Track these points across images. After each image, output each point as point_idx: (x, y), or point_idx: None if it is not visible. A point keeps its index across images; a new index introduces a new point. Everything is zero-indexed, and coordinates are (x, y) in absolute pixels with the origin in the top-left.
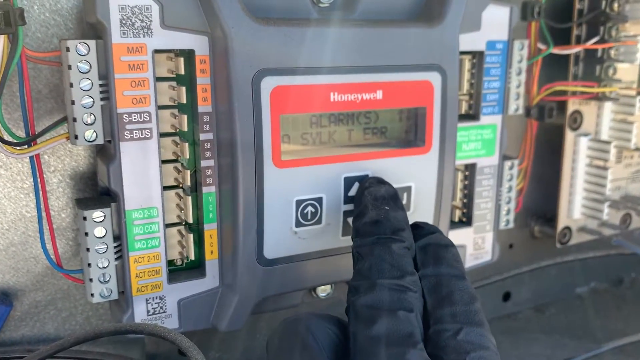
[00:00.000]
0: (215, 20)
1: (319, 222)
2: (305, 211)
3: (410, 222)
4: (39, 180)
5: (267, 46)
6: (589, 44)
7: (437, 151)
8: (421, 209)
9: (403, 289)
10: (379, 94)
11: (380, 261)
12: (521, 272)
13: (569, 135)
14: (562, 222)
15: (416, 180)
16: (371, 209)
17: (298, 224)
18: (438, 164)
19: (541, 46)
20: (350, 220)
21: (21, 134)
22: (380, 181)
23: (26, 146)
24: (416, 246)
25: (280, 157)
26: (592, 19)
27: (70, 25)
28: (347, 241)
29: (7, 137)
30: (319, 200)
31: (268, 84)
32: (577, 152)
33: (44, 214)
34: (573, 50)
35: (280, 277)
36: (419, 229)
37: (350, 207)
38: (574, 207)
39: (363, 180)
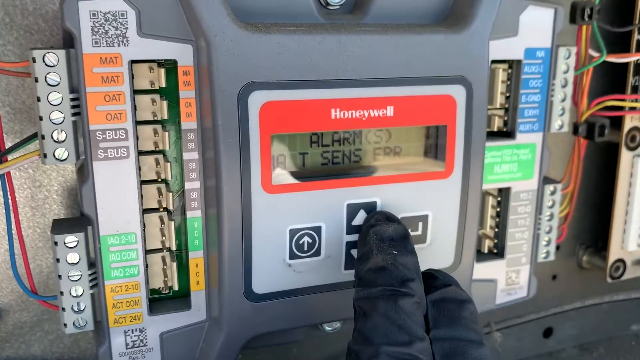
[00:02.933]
0: (198, 27)
1: (317, 254)
2: (300, 242)
3: (426, 261)
4: (9, 199)
5: (256, 56)
6: None
7: (460, 176)
8: (440, 242)
9: (411, 358)
10: (390, 111)
11: (385, 321)
12: (566, 308)
13: (626, 155)
14: (614, 254)
15: (434, 209)
16: (376, 252)
17: (292, 256)
18: (461, 190)
19: (593, 53)
20: (354, 252)
21: None
22: (388, 217)
23: None
24: (428, 300)
25: (271, 181)
26: None
27: (56, 31)
28: (351, 275)
29: None
30: (317, 229)
31: (257, 99)
32: (635, 174)
33: (15, 235)
34: (632, 58)
35: (273, 314)
36: (433, 279)
37: (354, 237)
38: (628, 238)
39: (370, 213)
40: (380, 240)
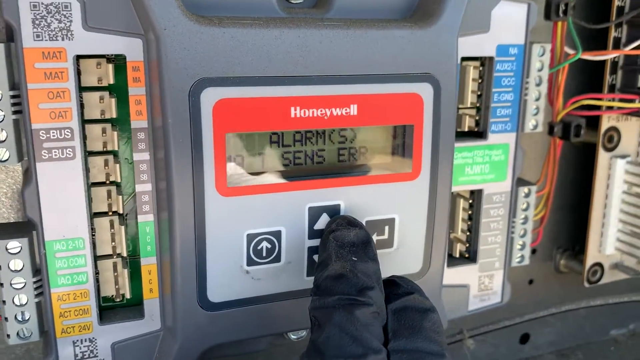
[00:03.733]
0: (147, 19)
1: (277, 260)
2: (259, 247)
3: (393, 266)
4: None
5: (209, 51)
6: (630, 49)
7: (428, 177)
8: (407, 246)
9: None
10: (353, 109)
11: (339, 332)
12: (542, 314)
13: (603, 156)
14: (591, 258)
15: (401, 212)
16: (335, 259)
17: (250, 262)
18: (429, 193)
19: (569, 51)
20: (316, 257)
21: None
22: (350, 222)
23: None
24: (389, 309)
25: (226, 183)
26: (635, 18)
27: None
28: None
29: None
30: (277, 234)
31: (210, 97)
32: (613, 176)
33: None
34: (609, 55)
35: (230, 323)
36: (395, 286)
37: (316, 242)
38: (606, 241)
39: (333, 216)
40: (340, 246)
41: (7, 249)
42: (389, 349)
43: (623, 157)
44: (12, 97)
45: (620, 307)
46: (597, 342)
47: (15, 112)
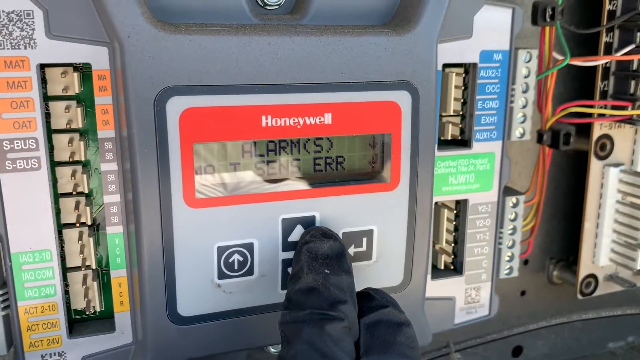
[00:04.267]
0: (111, 27)
1: (249, 273)
2: (230, 260)
3: (372, 279)
4: None
5: (174, 59)
6: (621, 54)
7: (407, 187)
8: (387, 258)
9: None
10: (328, 118)
11: (308, 349)
12: (536, 328)
13: (596, 164)
14: (584, 269)
15: (380, 223)
16: (307, 271)
17: (221, 276)
18: (408, 203)
19: (557, 56)
20: (291, 269)
21: None
22: (325, 234)
23: None
24: (362, 323)
25: (194, 194)
26: (627, 22)
27: None
28: None
29: None
30: (249, 246)
31: (176, 106)
32: (606, 185)
33: None
34: (600, 61)
35: (202, 338)
36: (369, 299)
37: (290, 254)
38: (600, 252)
39: (307, 228)
40: (313, 258)
41: None
42: None
43: (616, 165)
44: None
45: (618, 319)
46: (593, 355)
47: None
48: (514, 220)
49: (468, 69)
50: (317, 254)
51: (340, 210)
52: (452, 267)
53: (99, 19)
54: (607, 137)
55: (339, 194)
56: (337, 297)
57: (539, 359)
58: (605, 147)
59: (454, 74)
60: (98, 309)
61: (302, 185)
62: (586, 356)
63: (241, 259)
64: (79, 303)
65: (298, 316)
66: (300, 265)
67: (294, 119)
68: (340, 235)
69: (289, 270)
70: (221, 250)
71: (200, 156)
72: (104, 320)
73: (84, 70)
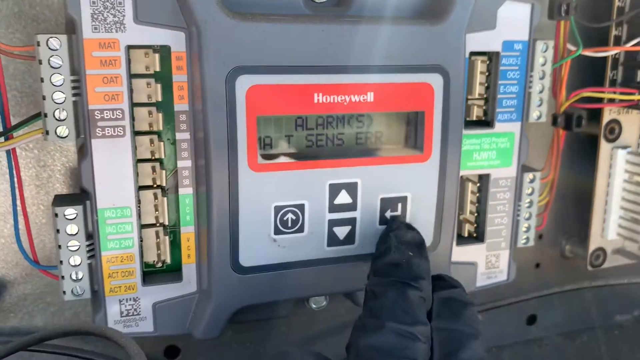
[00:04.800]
0: (190, 14)
1: (300, 230)
2: (285, 218)
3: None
4: (15, 174)
5: (243, 43)
6: (629, 46)
7: (438, 159)
8: (419, 222)
9: (412, 337)
10: (370, 97)
11: (393, 304)
12: (548, 294)
13: (605, 147)
14: (594, 243)
15: (413, 190)
16: (394, 251)
17: (277, 232)
18: (439, 174)
19: (571, 47)
20: (336, 229)
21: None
22: (408, 226)
23: (2, 139)
24: (435, 297)
25: (257, 160)
26: (634, 17)
27: (61, 21)
28: (333, 252)
29: None
30: (301, 207)
31: (243, 83)
32: (614, 166)
33: (19, 208)
34: (609, 52)
35: (258, 286)
36: (441, 280)
37: (335, 215)
38: (608, 227)
39: (351, 193)
40: (399, 242)
41: (64, 215)
42: (432, 325)
43: (624, 148)
44: (72, 81)
45: (625, 294)
46: (602, 326)
47: (74, 95)
48: (530, 194)
49: (492, 57)
50: (402, 240)
51: (379, 178)
52: (474, 235)
53: (178, 8)
54: (616, 121)
55: (378, 164)
56: (418, 273)
57: (552, 328)
58: (614, 130)
59: (479, 61)
60: (168, 262)
61: (347, 155)
62: (595, 327)
63: (294, 217)
64: (150, 257)
65: (384, 281)
66: (387, 245)
67: (341, 97)
68: (378, 201)
69: (334, 229)
70: (277, 209)
71: (261, 127)
72: (171, 272)
73: (161, 52)
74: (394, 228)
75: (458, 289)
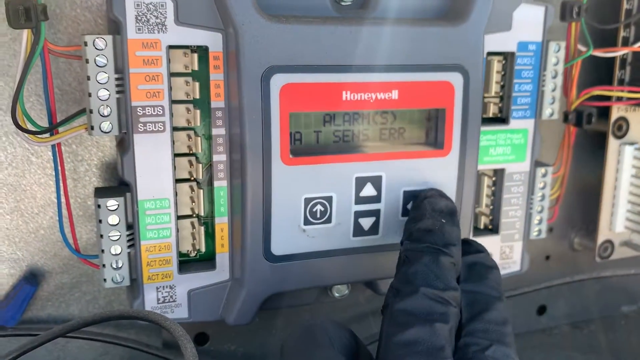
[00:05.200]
0: (228, 17)
1: (328, 221)
2: (314, 209)
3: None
4: (59, 168)
5: (277, 43)
6: (637, 46)
7: (457, 155)
8: None
9: (444, 301)
10: (395, 94)
11: (426, 269)
12: (558, 284)
13: (613, 143)
14: (602, 235)
15: (433, 183)
16: (428, 217)
17: (307, 222)
18: (458, 168)
19: (582, 48)
20: (362, 221)
21: (46, 124)
22: (441, 195)
23: (48, 135)
24: (462, 261)
25: (289, 154)
26: None
27: (100, 22)
28: (358, 242)
29: (29, 127)
30: (329, 199)
31: (278, 81)
32: (622, 161)
33: (63, 200)
34: (618, 52)
35: (288, 274)
36: (467, 245)
37: (361, 207)
38: (616, 220)
39: (376, 185)
40: (432, 209)
41: (107, 207)
42: (460, 288)
43: (631, 144)
44: (117, 79)
45: (631, 285)
46: (609, 316)
47: (118, 92)
48: (543, 188)
49: (507, 57)
50: (435, 207)
51: (401, 172)
52: (489, 227)
53: (216, 10)
54: (624, 119)
55: (401, 158)
56: (450, 240)
57: (561, 318)
58: (621, 127)
59: (496, 61)
60: (203, 251)
61: (372, 150)
62: (602, 317)
63: (322, 209)
64: (185, 246)
65: (418, 246)
66: (421, 211)
67: (368, 94)
68: (401, 193)
69: (360, 221)
70: (307, 201)
71: (293, 123)
72: (205, 261)
73: (198, 52)
74: (428, 195)
75: (484, 254)
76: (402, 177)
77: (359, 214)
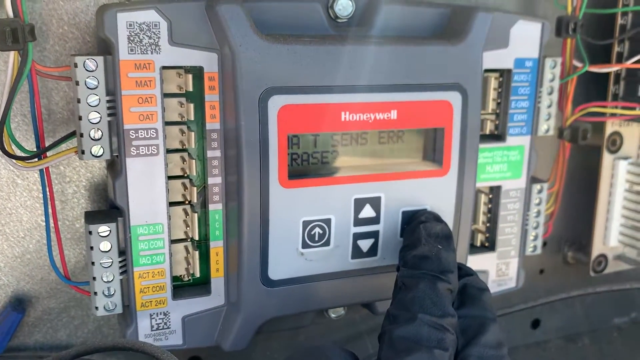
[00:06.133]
0: (224, 37)
1: (327, 244)
2: (312, 232)
3: None
4: (47, 192)
5: (275, 64)
6: (631, 62)
7: (456, 173)
8: None
9: (442, 328)
10: (394, 114)
11: (424, 296)
12: (551, 299)
13: (607, 158)
14: (596, 249)
15: (432, 203)
16: (424, 243)
17: (305, 245)
18: (457, 187)
19: (577, 64)
20: (360, 243)
21: (33, 146)
22: (436, 218)
23: (36, 159)
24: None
25: (287, 176)
26: (635, 35)
27: (88, 39)
28: (356, 264)
29: (17, 151)
30: (327, 221)
31: (275, 103)
32: (616, 176)
33: (52, 224)
34: (612, 68)
35: (286, 299)
36: (458, 269)
37: (360, 229)
38: (610, 234)
39: (375, 206)
40: (428, 234)
41: (98, 233)
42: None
43: (625, 158)
44: (108, 101)
45: (622, 298)
46: (601, 329)
47: (109, 115)
48: (538, 204)
49: (504, 74)
50: (431, 232)
51: (401, 192)
52: (486, 245)
53: (212, 31)
54: (618, 134)
55: (400, 179)
56: (446, 266)
57: (554, 331)
58: (615, 142)
59: (493, 78)
60: (197, 275)
61: (370, 171)
62: (595, 330)
63: (321, 231)
64: (178, 270)
65: (415, 273)
66: (416, 237)
67: (367, 115)
68: (400, 214)
69: (358, 243)
70: (306, 223)
71: (291, 144)
72: (199, 286)
73: (192, 72)
74: (422, 220)
75: (473, 276)
76: (402, 197)
77: (357, 236)
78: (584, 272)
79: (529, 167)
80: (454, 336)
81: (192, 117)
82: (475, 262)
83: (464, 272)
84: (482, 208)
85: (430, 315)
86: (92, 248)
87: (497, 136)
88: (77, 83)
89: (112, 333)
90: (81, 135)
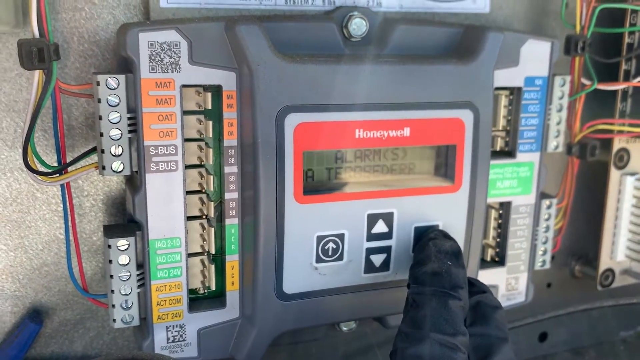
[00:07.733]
0: (242, 56)
1: (340, 258)
2: (326, 247)
3: None
4: (68, 207)
5: (292, 83)
6: (638, 80)
7: (467, 190)
8: None
9: (454, 347)
10: (406, 131)
11: (436, 314)
12: (559, 312)
13: (614, 173)
14: (604, 264)
15: (444, 219)
16: (434, 260)
17: (318, 260)
18: (468, 203)
19: (585, 82)
20: (373, 257)
21: (54, 161)
22: (446, 235)
23: (57, 174)
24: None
25: (302, 192)
26: None
27: (107, 56)
28: (369, 278)
29: (39, 167)
30: (341, 236)
31: (292, 121)
32: (623, 191)
33: (71, 238)
34: (620, 86)
35: (299, 312)
36: (471, 285)
37: (373, 244)
38: (617, 249)
39: (388, 222)
40: (438, 251)
41: (117, 247)
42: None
43: (632, 174)
44: (129, 119)
45: (629, 311)
46: (608, 342)
47: (130, 132)
48: (547, 219)
49: (514, 92)
50: (441, 249)
51: (413, 208)
52: (496, 260)
53: (230, 50)
54: (625, 150)
55: (413, 194)
56: (457, 282)
57: (561, 345)
58: (623, 158)
59: (503, 96)
60: (213, 288)
61: (384, 187)
62: (602, 343)
63: (334, 246)
64: (194, 284)
65: (426, 290)
66: (426, 254)
67: (380, 132)
68: (412, 230)
69: (371, 257)
70: (319, 238)
71: (306, 161)
72: (214, 299)
73: (211, 91)
74: (432, 237)
75: (487, 294)
76: (414, 213)
77: (370, 251)
78: (591, 286)
79: (538, 183)
80: (465, 355)
81: (210, 134)
82: (486, 276)
83: (478, 288)
84: (493, 223)
85: (442, 334)
86: (110, 261)
87: (508, 152)
88: (99, 100)
89: (127, 345)
90: (102, 151)
